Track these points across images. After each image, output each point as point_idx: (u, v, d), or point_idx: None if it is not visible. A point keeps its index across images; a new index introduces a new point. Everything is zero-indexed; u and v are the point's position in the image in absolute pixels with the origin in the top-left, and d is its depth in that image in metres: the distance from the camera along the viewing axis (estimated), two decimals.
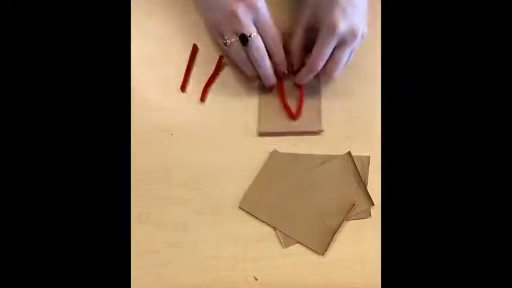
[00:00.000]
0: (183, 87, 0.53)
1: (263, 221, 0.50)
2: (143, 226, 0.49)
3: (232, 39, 0.47)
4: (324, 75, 0.49)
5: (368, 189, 0.52)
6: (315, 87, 0.53)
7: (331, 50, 0.46)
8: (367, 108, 0.53)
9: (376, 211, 0.52)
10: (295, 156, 0.52)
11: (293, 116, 0.52)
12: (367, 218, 0.52)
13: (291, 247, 0.50)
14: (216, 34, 0.50)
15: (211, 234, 0.50)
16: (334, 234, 0.50)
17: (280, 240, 0.50)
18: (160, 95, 0.52)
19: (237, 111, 0.53)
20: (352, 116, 0.53)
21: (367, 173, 0.52)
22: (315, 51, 0.47)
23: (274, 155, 0.52)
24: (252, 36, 0.46)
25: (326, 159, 0.52)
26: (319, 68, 0.47)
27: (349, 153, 0.52)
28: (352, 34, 0.46)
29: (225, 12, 0.45)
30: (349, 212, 0.51)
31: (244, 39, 0.46)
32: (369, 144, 0.53)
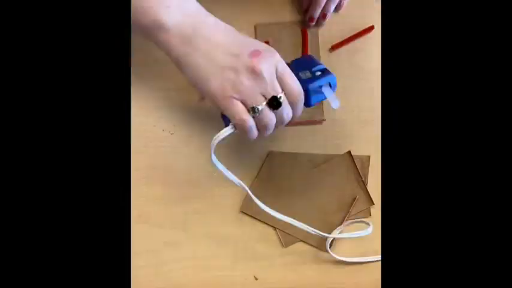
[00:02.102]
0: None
1: (263, 221, 0.50)
2: (143, 226, 0.49)
3: (263, 104, 0.37)
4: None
5: (368, 189, 0.52)
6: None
7: None
8: (367, 108, 0.53)
9: (376, 211, 0.52)
10: (295, 156, 0.52)
11: None
12: (367, 218, 0.52)
13: (290, 247, 0.50)
14: (231, 102, 0.37)
15: (211, 234, 0.50)
16: (335, 228, 0.50)
17: (280, 240, 0.50)
18: (160, 95, 0.52)
19: None
20: (352, 116, 0.53)
21: (367, 173, 0.52)
22: None
23: (274, 154, 0.52)
24: (282, 96, 0.38)
25: (326, 159, 0.52)
26: None
27: (349, 152, 0.52)
28: None
29: (243, 73, 0.36)
30: (350, 207, 0.51)
31: (273, 104, 0.37)
32: (369, 144, 0.53)
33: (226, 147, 0.51)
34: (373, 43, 0.54)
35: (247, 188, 0.44)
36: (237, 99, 0.37)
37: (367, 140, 0.53)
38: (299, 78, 0.40)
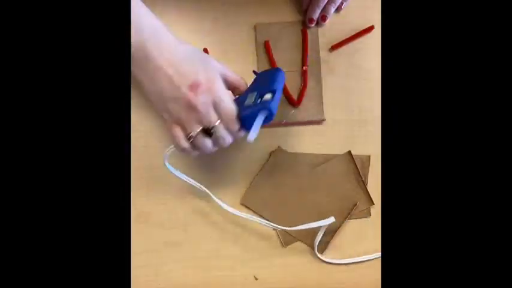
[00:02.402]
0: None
1: (263, 220, 0.50)
2: (143, 226, 0.49)
3: (197, 131, 0.42)
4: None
5: (368, 189, 0.52)
6: (316, 77, 0.53)
7: None
8: (367, 108, 0.53)
9: (376, 211, 0.52)
10: (296, 156, 0.52)
11: (294, 102, 0.52)
12: (367, 217, 0.52)
13: (290, 247, 0.50)
14: (173, 127, 0.42)
15: (211, 233, 0.50)
16: (335, 233, 0.50)
17: (280, 240, 0.50)
18: None
19: None
20: (352, 115, 0.53)
21: (367, 173, 0.52)
22: None
23: (276, 153, 0.52)
24: (216, 127, 0.42)
25: (326, 159, 0.52)
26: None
27: (349, 152, 0.52)
28: None
29: (182, 105, 0.41)
30: (349, 212, 0.51)
31: (206, 132, 0.42)
32: (369, 144, 0.53)
33: (232, 147, 0.51)
34: (373, 43, 0.54)
35: (207, 191, 0.48)
36: (177, 125, 0.42)
37: (367, 140, 0.53)
38: (242, 102, 0.43)
